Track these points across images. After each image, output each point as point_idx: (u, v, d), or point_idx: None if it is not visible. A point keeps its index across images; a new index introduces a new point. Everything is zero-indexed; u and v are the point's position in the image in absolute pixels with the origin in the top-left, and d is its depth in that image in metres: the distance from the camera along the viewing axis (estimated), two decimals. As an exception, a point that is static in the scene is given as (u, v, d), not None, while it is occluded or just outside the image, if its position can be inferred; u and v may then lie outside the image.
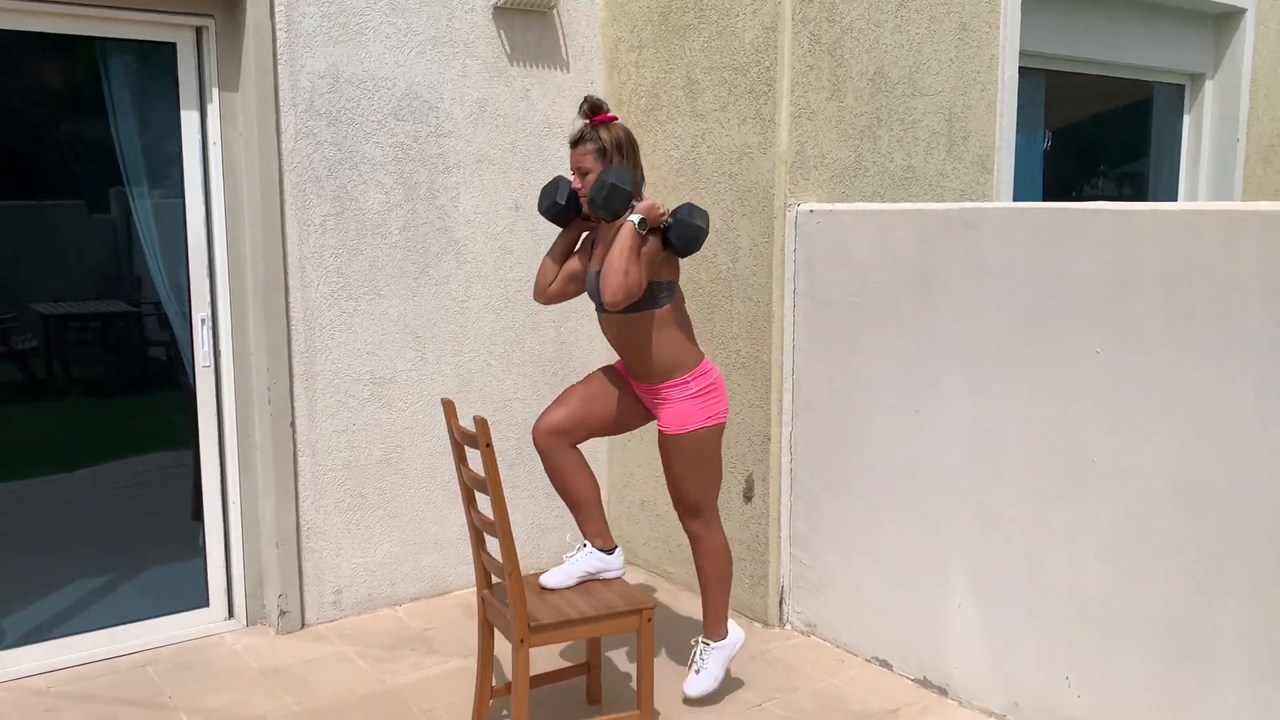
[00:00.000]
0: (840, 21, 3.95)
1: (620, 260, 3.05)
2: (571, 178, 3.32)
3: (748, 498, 4.11)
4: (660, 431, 3.35)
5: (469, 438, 3.01)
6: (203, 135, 3.90)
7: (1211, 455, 2.76)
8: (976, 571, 3.39)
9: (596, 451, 4.83)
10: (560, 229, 3.57)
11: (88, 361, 3.85)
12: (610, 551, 3.30)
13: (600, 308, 3.33)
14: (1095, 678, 3.08)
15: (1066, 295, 3.06)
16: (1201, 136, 6.05)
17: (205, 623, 4.06)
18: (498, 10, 4.28)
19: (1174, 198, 6.15)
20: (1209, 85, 5.99)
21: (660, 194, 4.39)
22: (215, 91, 3.85)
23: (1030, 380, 3.18)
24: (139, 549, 3.96)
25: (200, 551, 4.06)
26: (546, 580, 3.21)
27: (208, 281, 3.96)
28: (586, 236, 3.46)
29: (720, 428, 3.34)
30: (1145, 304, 2.87)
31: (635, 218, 3.10)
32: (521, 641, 2.94)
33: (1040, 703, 3.23)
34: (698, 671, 3.44)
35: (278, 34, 3.81)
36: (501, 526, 2.91)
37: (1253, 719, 2.72)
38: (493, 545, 4.38)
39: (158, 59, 3.81)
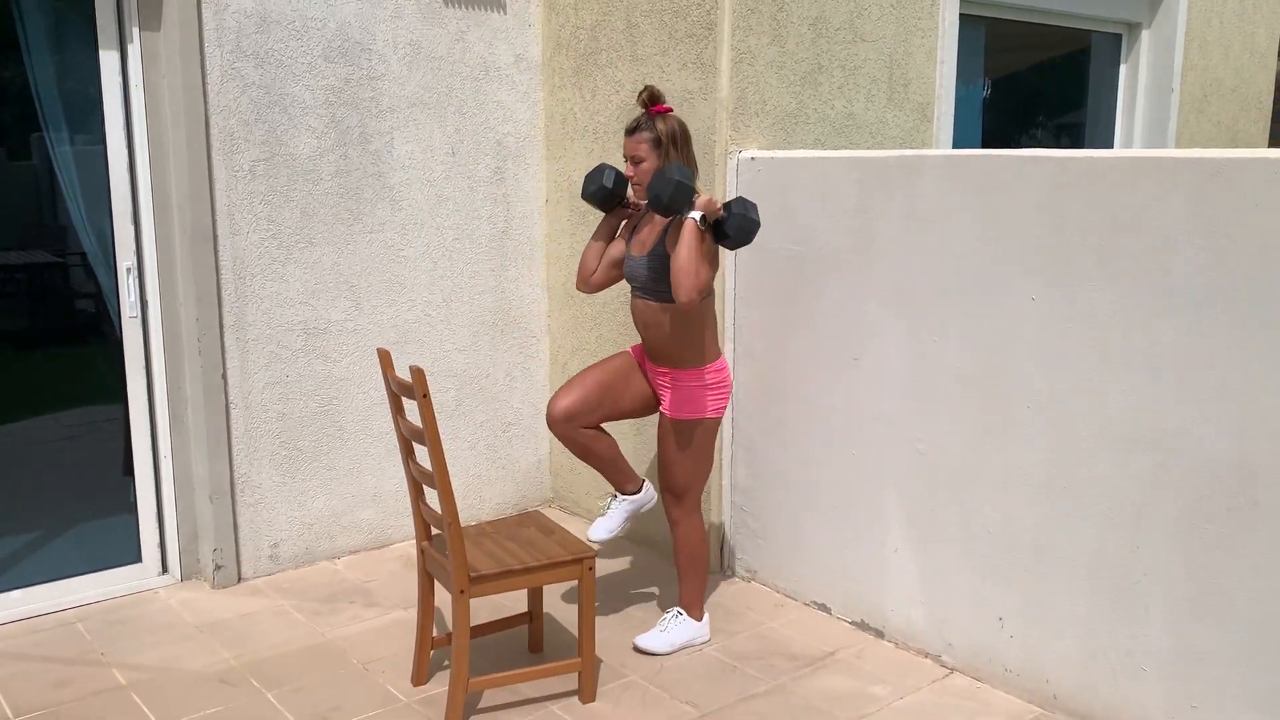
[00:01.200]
0: (781, -36, 3.89)
1: (690, 261, 3.08)
2: (624, 166, 3.35)
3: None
4: (664, 414, 3.39)
5: (405, 388, 2.96)
6: (124, 78, 3.74)
7: (1142, 400, 2.81)
8: (912, 516, 3.43)
9: (539, 402, 4.79)
10: (603, 215, 3.59)
11: (12, 314, 3.72)
12: (640, 489, 3.50)
13: (636, 293, 3.37)
14: (1028, 619, 3.15)
15: (1003, 242, 3.08)
16: (1137, 86, 6.10)
17: (138, 578, 3.98)
18: (431, -51, 4.16)
19: (1110, 147, 6.22)
20: (1145, 34, 6.03)
21: (601, 140, 4.33)
22: (136, 31, 3.70)
23: (967, 327, 3.21)
24: (69, 505, 3.86)
25: (132, 507, 3.97)
26: (593, 534, 3.44)
27: (133, 229, 3.82)
28: (626, 224, 3.49)
29: (719, 421, 3.42)
30: (1080, 251, 2.90)
31: (696, 215, 3.12)
32: (461, 592, 2.92)
33: (974, 643, 3.30)
34: (662, 630, 3.48)
35: (200, -30, 3.65)
36: (440, 478, 2.88)
37: (1180, 658, 2.80)
38: (431, 497, 4.34)
39: (74, -4, 3.65)
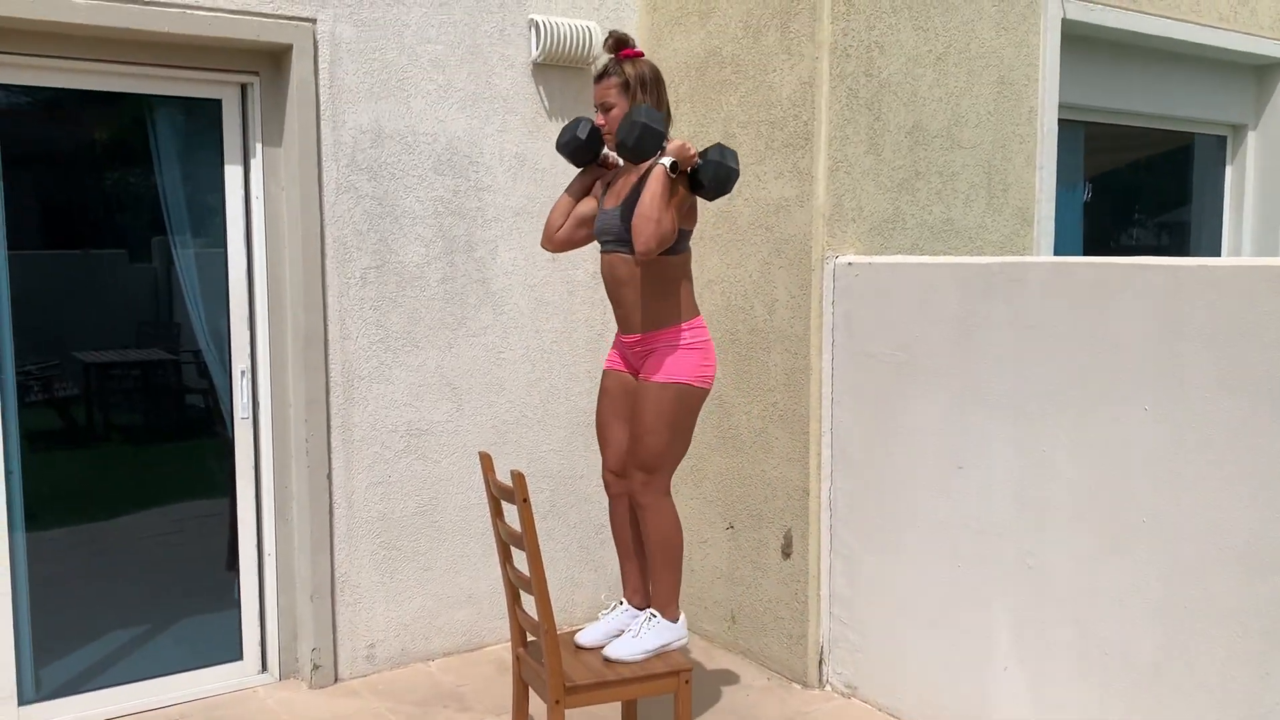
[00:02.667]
0: (878, 76, 3.95)
1: (653, 208, 2.92)
2: (595, 117, 3.21)
3: (786, 554, 4.05)
4: (642, 380, 3.19)
5: (506, 492, 2.98)
6: (245, 188, 3.95)
7: (1267, 516, 2.67)
8: (1022, 633, 3.30)
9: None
10: (577, 169, 3.41)
11: (127, 409, 3.88)
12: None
13: (608, 247, 3.20)
14: (1149, 747, 2.97)
15: (1113, 351, 3.01)
16: (1245, 187, 5.98)
17: (239, 676, 4.03)
18: (537, 67, 4.33)
19: (1217, 249, 6.07)
20: (1251, 136, 5.93)
21: (697, 245, 4.39)
22: (259, 146, 3.91)
23: (1076, 437, 3.11)
24: (174, 599, 3.96)
25: (235, 603, 4.05)
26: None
27: (248, 333, 3.99)
28: (601, 180, 3.36)
29: (703, 394, 3.20)
30: (1194, 360, 2.81)
31: (666, 160, 2.97)
32: (557, 702, 2.89)
33: (1091, 772, 3.13)
34: (634, 636, 3.15)
35: (321, 90, 3.86)
36: (538, 584, 2.88)
37: (1317, 794, 2.61)
38: (528, 602, 4.33)
39: (203, 114, 3.88)
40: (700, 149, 3.09)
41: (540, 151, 4.38)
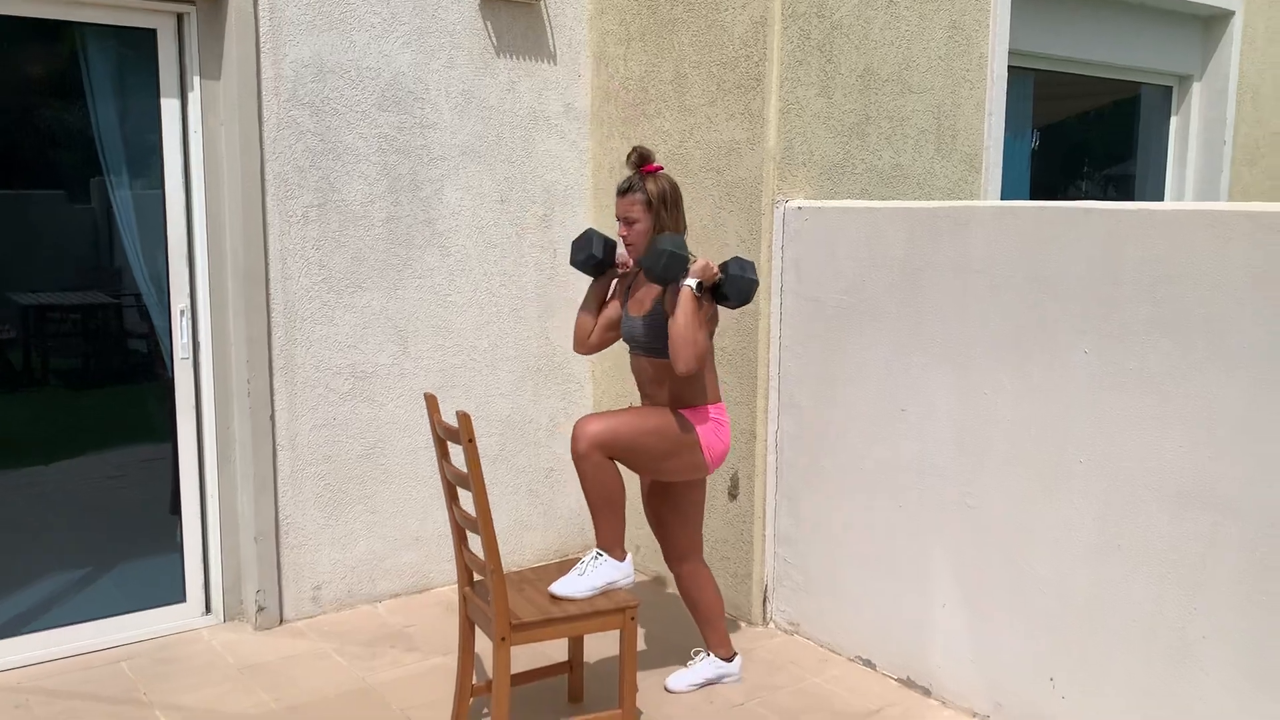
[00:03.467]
0: (830, 17, 3.92)
1: (688, 330, 3.11)
2: (618, 226, 3.36)
3: (733, 495, 4.09)
4: None
5: (451, 433, 2.97)
6: (183, 124, 3.84)
7: (1199, 456, 2.74)
8: (961, 571, 3.37)
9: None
10: (592, 279, 3.66)
11: (66, 352, 3.79)
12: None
13: (635, 350, 3.38)
14: (1080, 679, 3.07)
15: (1054, 295, 3.05)
16: (1189, 138, 6.05)
17: (182, 618, 4.00)
18: (485, 1, 4.24)
19: (1161, 199, 6.16)
20: (1196, 87, 5.99)
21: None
22: (196, 80, 3.80)
23: (1017, 380, 3.16)
24: (115, 543, 3.90)
25: (178, 546, 4.00)
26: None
27: (187, 272, 3.90)
28: (618, 283, 3.52)
29: (704, 466, 3.33)
30: (1133, 304, 2.86)
31: (692, 282, 3.15)
32: (503, 639, 2.90)
33: (1024, 703, 3.22)
34: (580, 574, 3.18)
35: (261, 21, 3.75)
36: (484, 523, 2.88)
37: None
38: (474, 542, 4.33)
39: (138, 46, 3.75)
40: (719, 263, 3.32)
41: (488, 89, 4.30)
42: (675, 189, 3.31)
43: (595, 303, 3.50)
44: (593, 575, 3.18)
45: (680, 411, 3.31)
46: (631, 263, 3.43)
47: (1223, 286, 2.66)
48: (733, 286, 3.19)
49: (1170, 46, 5.80)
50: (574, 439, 3.21)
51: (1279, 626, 2.61)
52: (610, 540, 3.26)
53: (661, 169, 3.31)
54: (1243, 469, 2.66)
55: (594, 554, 3.25)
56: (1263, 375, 2.60)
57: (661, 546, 3.56)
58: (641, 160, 3.29)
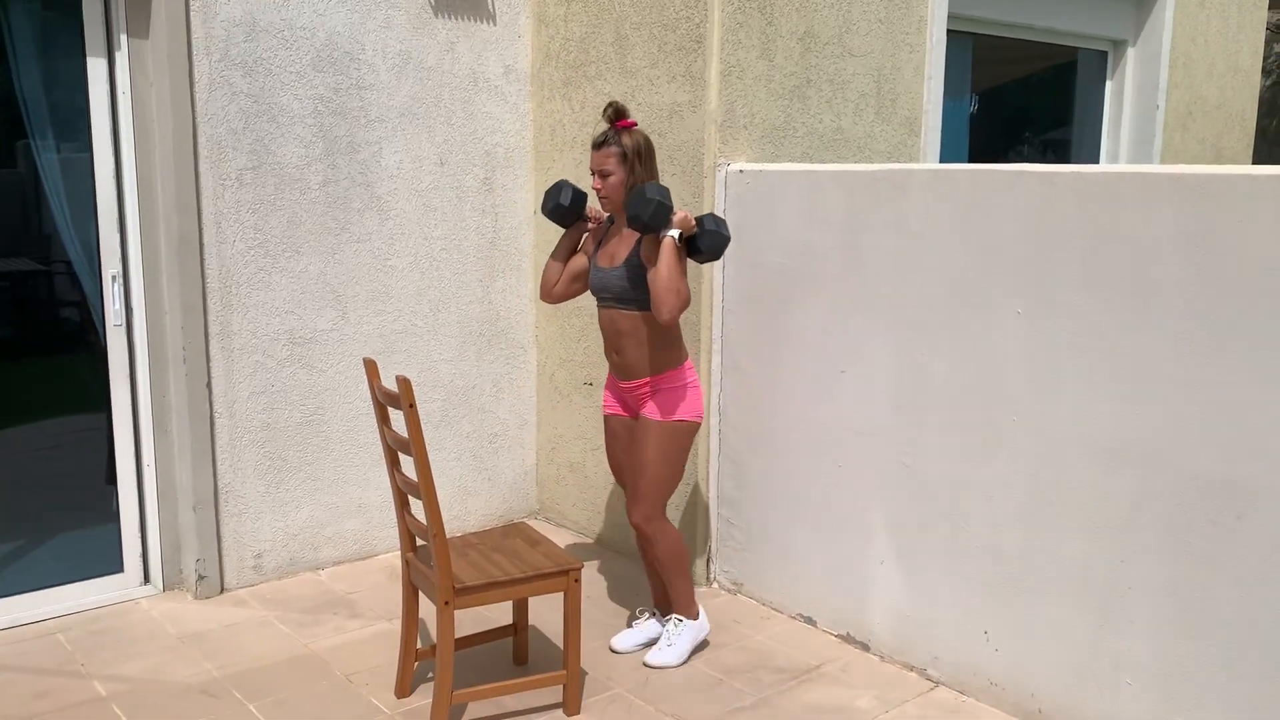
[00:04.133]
0: (770, -21, 3.91)
1: (671, 279, 3.15)
2: (591, 179, 3.38)
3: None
4: (642, 418, 3.38)
5: (391, 398, 2.95)
6: (111, 85, 3.73)
7: (1127, 414, 2.82)
8: (898, 529, 3.44)
9: (525, 413, 4.78)
10: (563, 230, 3.67)
11: (-6, 321, 3.70)
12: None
13: (606, 303, 3.39)
14: (1012, 632, 3.15)
15: (990, 257, 3.09)
16: (1123, 103, 6.15)
17: (120, 588, 3.95)
18: (421, -41, 4.16)
19: (1096, 163, 6.26)
20: (1130, 52, 6.08)
21: (589, 152, 4.32)
22: (124, 39, 3.69)
23: (953, 341, 3.21)
24: (51, 514, 3.83)
25: (115, 516, 3.94)
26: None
27: (118, 237, 3.81)
28: (588, 236, 3.54)
29: (696, 428, 3.42)
30: (1066, 266, 2.91)
31: (674, 233, 3.19)
32: (446, 604, 2.91)
33: (959, 657, 3.30)
34: (669, 645, 3.47)
35: (189, -22, 3.65)
36: (425, 488, 2.87)
37: (1165, 670, 2.81)
38: (417, 508, 4.32)
39: (62, 3, 3.63)
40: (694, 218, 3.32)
41: (426, 49, 4.23)
42: (649, 144, 3.34)
43: (564, 253, 3.52)
44: (681, 643, 3.48)
45: (667, 415, 3.35)
46: (605, 216, 3.48)
47: (1151, 248, 2.72)
48: (707, 240, 3.23)
49: (1106, 12, 5.87)
50: (635, 528, 3.43)
51: (1201, 576, 2.71)
52: (685, 603, 3.51)
53: (636, 124, 3.33)
54: (1168, 425, 2.73)
55: (674, 619, 3.51)
56: (1187, 333, 2.67)
57: (628, 494, 3.49)
58: (618, 114, 3.31)
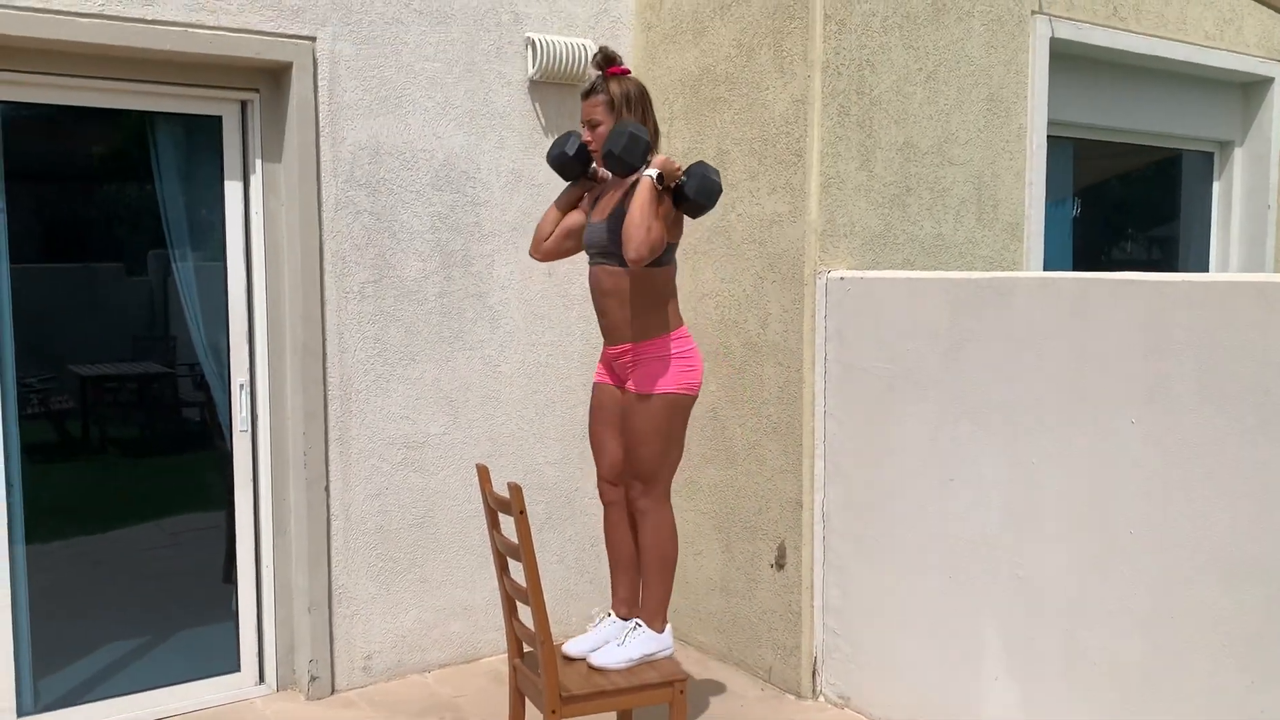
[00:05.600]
0: (869, 94, 4.01)
1: (642, 216, 2.99)
2: (582, 134, 3.29)
3: (780, 565, 4.09)
4: (629, 392, 3.26)
5: (502, 504, 3.02)
6: (245, 204, 4.00)
7: (1252, 527, 2.73)
8: (1012, 643, 3.34)
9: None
10: (566, 182, 3.54)
11: (125, 422, 3.91)
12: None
13: (595, 259, 3.27)
14: (1137, 755, 3.02)
15: (1100, 365, 3.06)
16: (1232, 202, 6.05)
17: (236, 687, 4.06)
18: (533, 84, 4.39)
19: (1205, 263, 6.14)
20: (1238, 152, 6.00)
21: (691, 259, 4.44)
22: (259, 162, 3.96)
23: (1065, 449, 3.17)
24: (171, 611, 3.98)
25: (232, 615, 4.08)
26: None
27: (247, 346, 4.03)
28: (589, 194, 3.44)
29: (691, 400, 3.25)
30: (1179, 374, 2.86)
31: (653, 172, 3.05)
32: (554, 712, 2.92)
33: (1081, 780, 3.17)
34: (619, 645, 3.20)
35: (321, 107, 3.91)
36: (534, 595, 2.91)
37: (1301, 801, 2.65)
38: (524, 613, 4.36)
39: (204, 130, 3.93)
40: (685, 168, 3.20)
41: (536, 167, 4.43)
42: (643, 91, 3.21)
43: (565, 204, 3.40)
44: (632, 646, 3.20)
45: (651, 387, 3.16)
46: (606, 175, 3.34)
47: (1270, 356, 2.67)
48: (694, 185, 3.07)
49: (1210, 112, 5.83)
50: (634, 495, 3.23)
51: (1341, 702, 2.57)
52: (654, 610, 3.27)
53: (629, 72, 3.20)
54: (1297, 540, 2.64)
55: (633, 624, 3.27)
56: (1314, 446, 2.59)
57: (603, 463, 3.31)
58: (607, 60, 3.21)
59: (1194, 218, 6.14)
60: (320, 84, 3.91)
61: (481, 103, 4.27)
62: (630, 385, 3.27)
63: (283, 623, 4.10)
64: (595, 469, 3.35)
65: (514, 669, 3.21)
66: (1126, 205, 5.99)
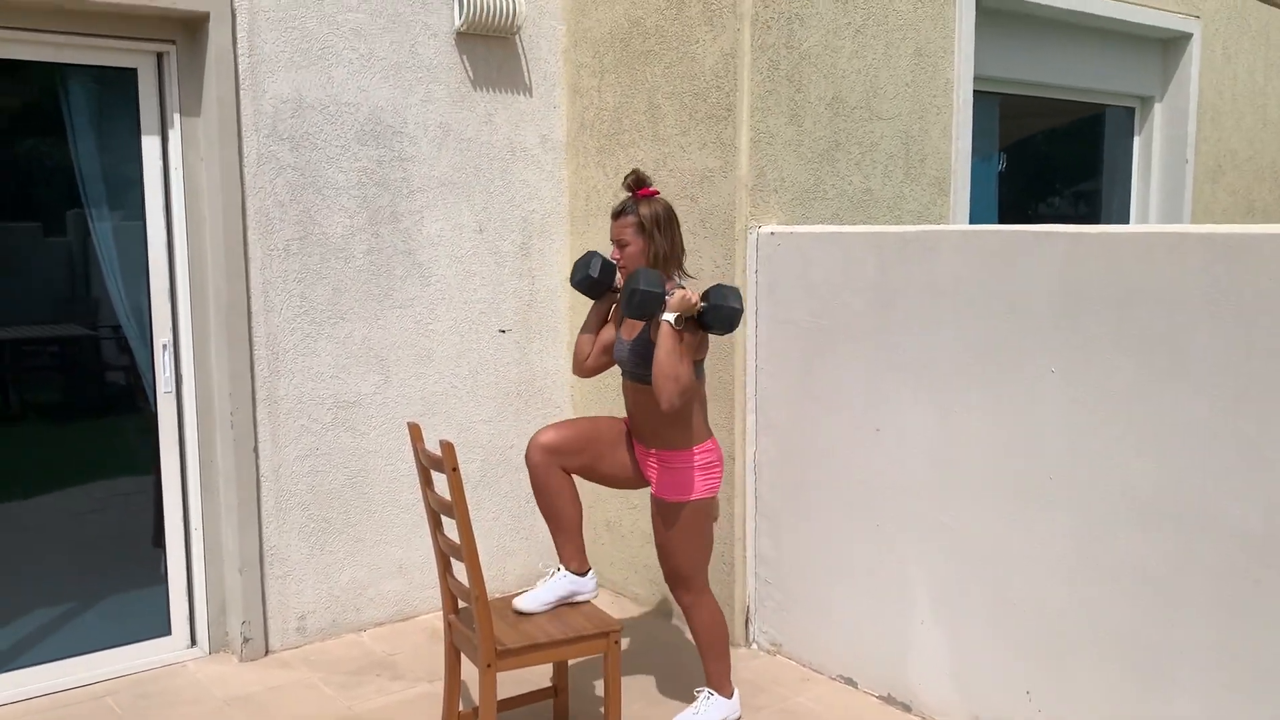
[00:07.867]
0: (798, 48, 4.02)
1: (669, 365, 3.06)
2: (611, 253, 3.35)
3: (713, 518, 4.13)
4: (655, 498, 3.32)
5: (435, 461, 3.01)
6: (164, 160, 3.88)
7: (1166, 472, 2.82)
8: (938, 589, 3.44)
9: (562, 473, 4.83)
10: (593, 301, 3.64)
11: (46, 386, 3.81)
12: (584, 574, 3.30)
13: (628, 375, 3.33)
14: (1056, 692, 3.13)
15: (1021, 316, 3.13)
16: (1151, 156, 6.19)
17: (167, 651, 4.01)
18: (460, 36, 4.31)
19: (1127, 216, 6.29)
20: (1158, 107, 6.14)
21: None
22: (177, 116, 3.85)
23: (988, 399, 3.24)
24: (99, 576, 3.92)
25: (162, 578, 4.02)
26: (520, 604, 3.21)
27: (169, 306, 3.93)
28: (616, 306, 3.49)
29: (706, 503, 3.32)
30: (1098, 324, 2.94)
31: (670, 316, 3.09)
32: (489, 666, 2.94)
33: (1001, 717, 3.28)
34: (695, 713, 3.39)
35: (240, 60, 3.81)
36: (468, 551, 2.92)
37: (1207, 729, 2.78)
38: (459, 569, 4.37)
39: (118, 83, 3.80)
40: (700, 293, 3.21)
41: (465, 121, 4.37)
42: (670, 212, 3.27)
43: (595, 325, 3.47)
44: (706, 714, 3.38)
45: (673, 494, 3.26)
46: None
47: (1183, 306, 2.75)
48: (714, 315, 3.13)
49: (1131, 69, 5.94)
50: (678, 594, 3.36)
51: (1247, 637, 2.69)
52: (720, 679, 3.41)
53: (658, 193, 3.28)
54: (1207, 483, 2.74)
55: (705, 693, 3.41)
56: (1222, 389, 2.69)
57: (564, 436, 3.35)
58: (638, 183, 3.27)
59: (1116, 172, 6.28)
60: (239, 35, 3.80)
61: (408, 55, 4.19)
62: (654, 488, 3.34)
63: (214, 585, 4.05)
64: (538, 430, 3.31)
65: (449, 625, 3.22)
66: (1051, 160, 6.10)
